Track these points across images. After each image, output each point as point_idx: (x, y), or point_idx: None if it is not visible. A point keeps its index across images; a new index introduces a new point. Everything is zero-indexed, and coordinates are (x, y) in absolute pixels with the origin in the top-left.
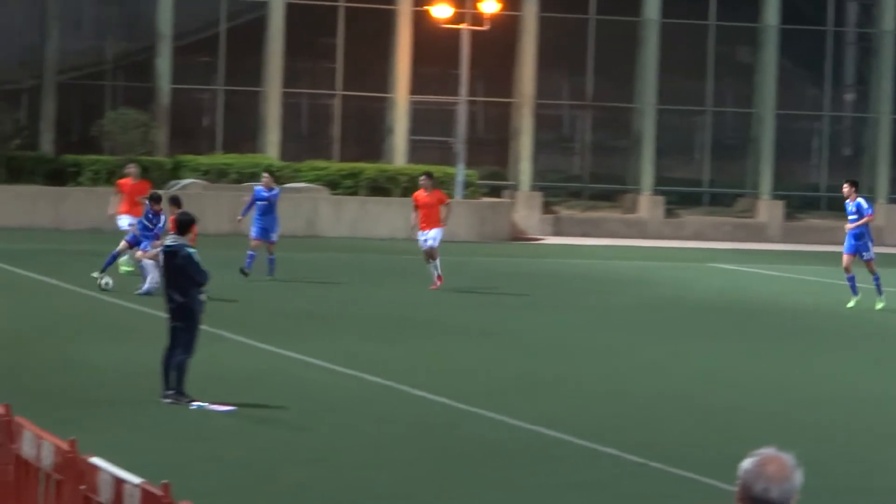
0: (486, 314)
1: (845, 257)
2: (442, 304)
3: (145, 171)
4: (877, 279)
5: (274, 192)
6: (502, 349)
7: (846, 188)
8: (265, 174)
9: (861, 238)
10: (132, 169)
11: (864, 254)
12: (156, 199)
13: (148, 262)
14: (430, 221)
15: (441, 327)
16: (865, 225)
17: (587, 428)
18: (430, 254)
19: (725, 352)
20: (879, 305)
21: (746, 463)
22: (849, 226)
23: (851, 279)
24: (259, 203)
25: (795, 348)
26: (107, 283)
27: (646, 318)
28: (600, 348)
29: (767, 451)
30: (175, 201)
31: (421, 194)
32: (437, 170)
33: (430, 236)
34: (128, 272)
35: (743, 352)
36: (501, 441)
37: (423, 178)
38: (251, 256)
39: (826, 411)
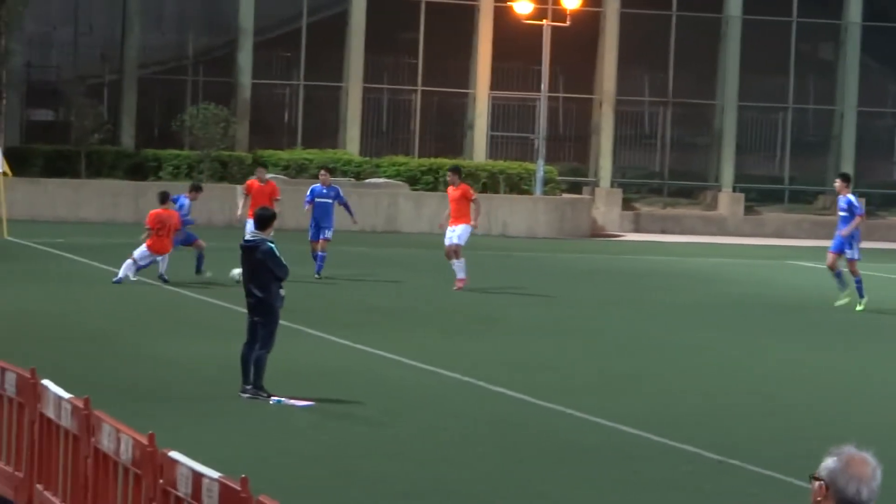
0: (564, 310)
1: (830, 255)
2: (520, 301)
3: (224, 167)
4: (858, 281)
5: (332, 188)
6: (580, 346)
7: (838, 183)
8: (323, 171)
9: (849, 237)
10: (260, 172)
11: (848, 252)
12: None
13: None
14: (457, 217)
15: (518, 324)
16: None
17: (665, 425)
18: (451, 251)
19: (803, 349)
20: (860, 308)
21: (831, 463)
22: (843, 231)
23: (838, 274)
24: (318, 201)
25: (872, 346)
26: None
27: (724, 315)
28: (678, 345)
29: (849, 449)
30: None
31: (449, 190)
32: (517, 166)
33: (456, 233)
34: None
35: (820, 349)
36: (580, 438)
37: (448, 173)
38: (320, 258)
39: None
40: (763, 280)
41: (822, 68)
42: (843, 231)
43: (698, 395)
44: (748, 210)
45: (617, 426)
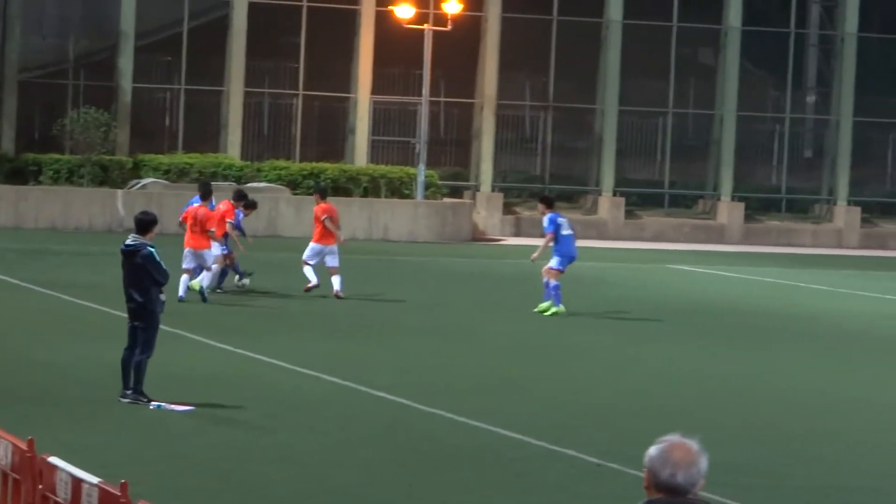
0: (446, 315)
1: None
2: (401, 305)
3: (105, 171)
4: (556, 287)
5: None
6: (462, 350)
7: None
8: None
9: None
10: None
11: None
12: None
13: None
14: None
15: (401, 328)
16: None
17: (546, 429)
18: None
19: (682, 352)
20: (550, 312)
21: (652, 450)
22: (533, 256)
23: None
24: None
25: (749, 348)
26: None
27: (604, 319)
28: (559, 349)
29: (673, 437)
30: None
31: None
32: (398, 170)
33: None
34: None
35: (699, 352)
36: (461, 442)
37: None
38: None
39: (779, 409)
40: (643, 284)
41: (702, 73)
42: (533, 256)
43: (578, 399)
44: (628, 214)
45: (498, 430)
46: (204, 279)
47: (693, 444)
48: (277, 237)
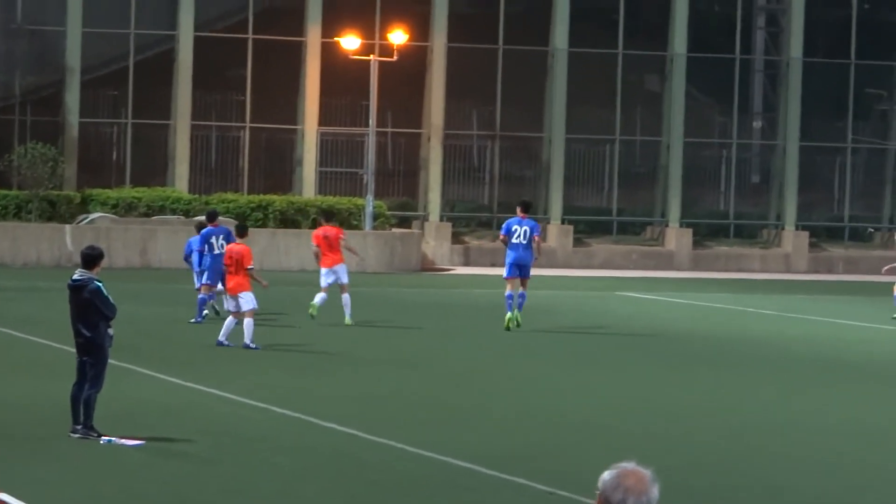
0: (395, 345)
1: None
2: (350, 336)
3: (53, 206)
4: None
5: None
6: (411, 379)
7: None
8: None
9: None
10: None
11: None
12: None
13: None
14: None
15: (349, 358)
16: None
17: (496, 457)
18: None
19: (631, 379)
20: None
21: (606, 475)
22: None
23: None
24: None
25: (698, 373)
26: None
27: (553, 347)
28: (508, 377)
29: (627, 464)
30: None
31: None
32: (346, 201)
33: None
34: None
35: (648, 378)
36: (411, 471)
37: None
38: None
39: (728, 434)
40: (592, 311)
41: (648, 100)
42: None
43: (528, 427)
44: (577, 242)
45: (449, 459)
46: (247, 330)
47: (646, 472)
48: None
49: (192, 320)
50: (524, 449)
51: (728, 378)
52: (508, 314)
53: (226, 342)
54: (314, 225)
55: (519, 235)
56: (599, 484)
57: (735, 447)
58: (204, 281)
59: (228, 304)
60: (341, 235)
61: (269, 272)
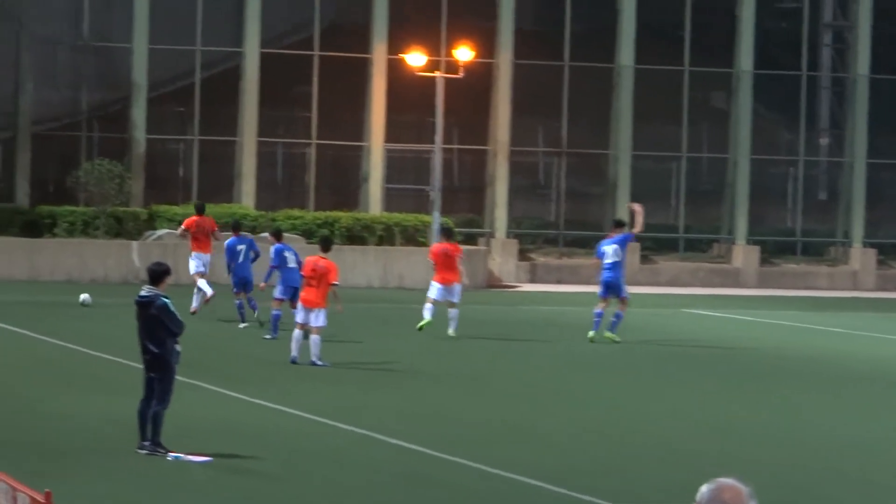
0: (461, 361)
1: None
2: (417, 352)
3: (120, 222)
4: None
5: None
6: (477, 396)
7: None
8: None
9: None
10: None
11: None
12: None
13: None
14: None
15: (414, 374)
16: None
17: (562, 474)
18: None
19: (698, 396)
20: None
21: (704, 488)
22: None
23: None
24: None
25: (766, 391)
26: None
27: (619, 364)
28: (575, 394)
29: (725, 479)
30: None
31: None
32: (412, 218)
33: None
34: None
35: (715, 396)
36: (477, 488)
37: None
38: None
39: (795, 452)
40: (659, 328)
41: (715, 117)
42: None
43: (594, 444)
44: (644, 259)
45: (515, 476)
46: (314, 347)
47: (745, 488)
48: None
49: (267, 336)
50: (591, 466)
51: (796, 396)
52: (591, 332)
53: (298, 357)
54: (380, 242)
55: (609, 256)
56: (697, 497)
57: (805, 467)
58: (277, 295)
59: (299, 316)
60: (459, 253)
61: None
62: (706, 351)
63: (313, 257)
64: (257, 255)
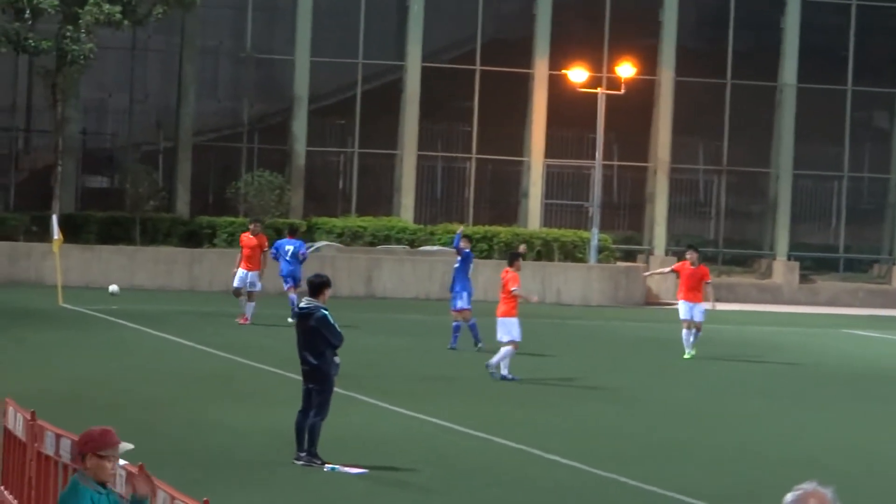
0: (618, 378)
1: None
2: (572, 368)
3: (279, 234)
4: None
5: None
6: (633, 414)
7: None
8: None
9: None
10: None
11: None
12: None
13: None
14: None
15: (572, 392)
16: None
17: (715, 493)
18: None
19: (859, 419)
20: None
21: (789, 496)
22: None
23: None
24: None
25: None
26: None
27: (778, 384)
28: (732, 414)
29: (808, 484)
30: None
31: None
32: (571, 234)
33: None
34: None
35: (876, 419)
36: None
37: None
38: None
39: None
40: (818, 349)
41: (877, 136)
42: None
43: (752, 464)
44: (803, 278)
45: (669, 493)
46: (502, 358)
47: (827, 491)
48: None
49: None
50: (743, 486)
51: None
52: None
53: (508, 375)
54: (538, 257)
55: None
56: None
57: None
58: (460, 306)
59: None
60: (706, 279)
61: (495, 303)
62: (867, 372)
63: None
64: (304, 258)
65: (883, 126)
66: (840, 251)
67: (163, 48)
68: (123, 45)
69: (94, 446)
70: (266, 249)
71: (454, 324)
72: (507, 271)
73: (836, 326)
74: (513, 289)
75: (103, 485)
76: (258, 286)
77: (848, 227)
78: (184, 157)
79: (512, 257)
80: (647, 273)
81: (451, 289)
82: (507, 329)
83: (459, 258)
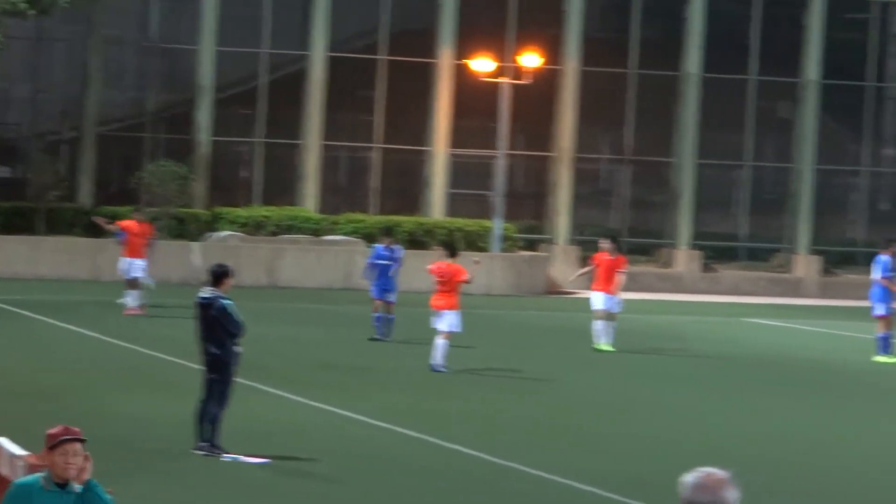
0: (520, 368)
1: None
2: (476, 358)
3: (181, 224)
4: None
5: (396, 251)
6: (533, 402)
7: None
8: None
9: None
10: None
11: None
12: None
13: None
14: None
15: (474, 380)
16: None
17: (617, 481)
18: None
19: (760, 405)
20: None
21: (689, 478)
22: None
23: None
24: (380, 263)
25: (826, 403)
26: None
27: (680, 373)
28: (630, 402)
29: (707, 468)
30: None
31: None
32: (474, 223)
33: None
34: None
35: (776, 405)
36: (534, 494)
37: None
38: (378, 318)
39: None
40: (719, 337)
41: (780, 126)
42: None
43: (650, 452)
44: (705, 267)
45: (571, 482)
46: (445, 351)
47: (724, 474)
48: (354, 290)
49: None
50: (645, 474)
51: (850, 408)
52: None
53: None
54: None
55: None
56: (682, 486)
57: (854, 480)
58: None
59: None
60: (621, 267)
61: (398, 293)
62: (767, 360)
63: (441, 262)
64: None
65: (786, 116)
66: (742, 240)
67: (68, 38)
68: (28, 35)
69: (49, 441)
70: (149, 238)
71: (376, 315)
72: (449, 264)
73: (736, 315)
74: (466, 278)
75: (65, 483)
76: (137, 274)
77: (751, 216)
78: (88, 147)
79: (453, 248)
80: (572, 277)
81: (382, 284)
82: (455, 321)
83: (394, 259)
